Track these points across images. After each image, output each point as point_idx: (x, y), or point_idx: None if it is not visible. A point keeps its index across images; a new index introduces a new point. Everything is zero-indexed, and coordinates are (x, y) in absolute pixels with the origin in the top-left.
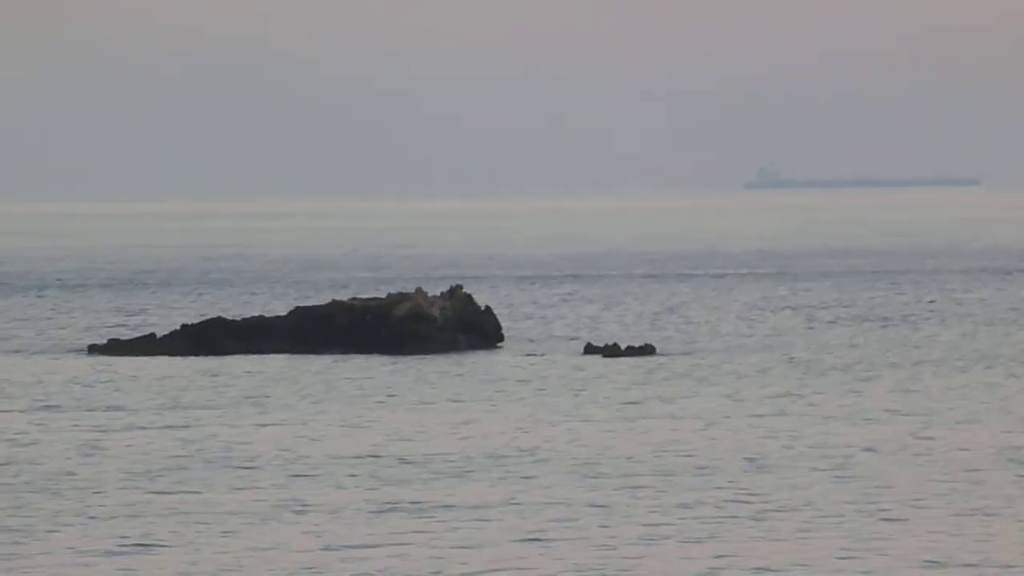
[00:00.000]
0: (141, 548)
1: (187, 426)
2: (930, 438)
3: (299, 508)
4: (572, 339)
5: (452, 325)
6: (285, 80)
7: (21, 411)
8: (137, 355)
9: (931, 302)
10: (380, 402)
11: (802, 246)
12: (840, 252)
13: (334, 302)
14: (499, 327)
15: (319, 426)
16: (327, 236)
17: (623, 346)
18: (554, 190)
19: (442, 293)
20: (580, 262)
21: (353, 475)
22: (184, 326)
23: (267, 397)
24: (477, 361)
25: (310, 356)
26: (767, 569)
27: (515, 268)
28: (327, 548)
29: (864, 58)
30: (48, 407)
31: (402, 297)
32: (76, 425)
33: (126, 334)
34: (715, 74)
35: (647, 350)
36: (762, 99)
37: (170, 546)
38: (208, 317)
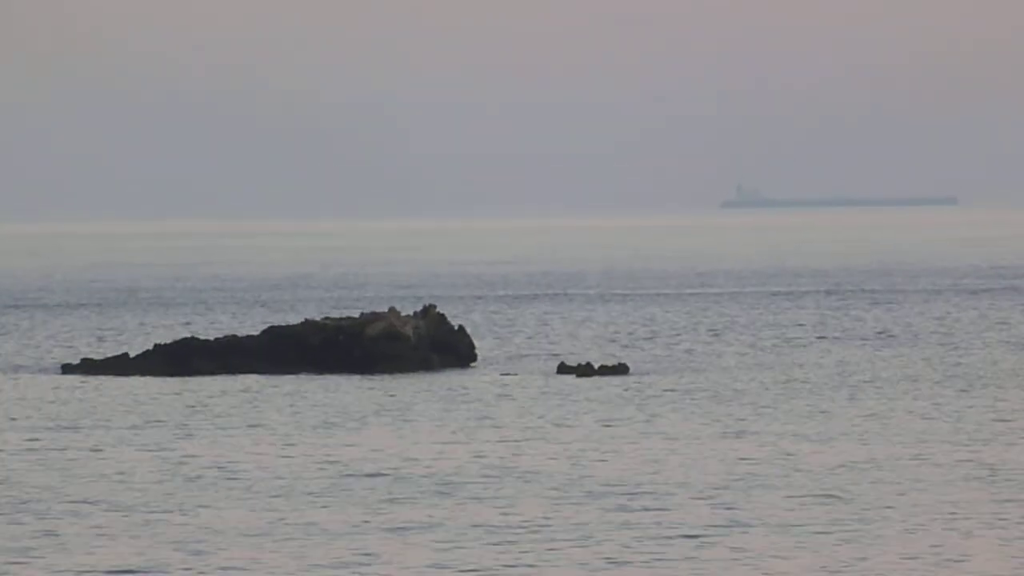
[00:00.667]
0: (121, 572)
1: (162, 447)
2: (916, 457)
3: (282, 527)
4: (546, 358)
5: (425, 344)
6: (277, 106)
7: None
8: (110, 375)
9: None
10: (354, 423)
11: (779, 265)
12: (817, 272)
13: (306, 321)
14: (472, 346)
15: (289, 446)
16: (296, 255)
17: (596, 365)
18: (536, 210)
19: (415, 312)
20: (551, 281)
21: (330, 495)
22: (157, 346)
23: (240, 415)
24: (450, 381)
25: (282, 376)
26: None
27: (488, 287)
28: (309, 568)
29: (845, 79)
30: (16, 426)
31: (375, 316)
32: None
33: (100, 353)
34: (696, 94)
35: (620, 369)
36: (741, 118)
37: (149, 571)
38: (181, 337)
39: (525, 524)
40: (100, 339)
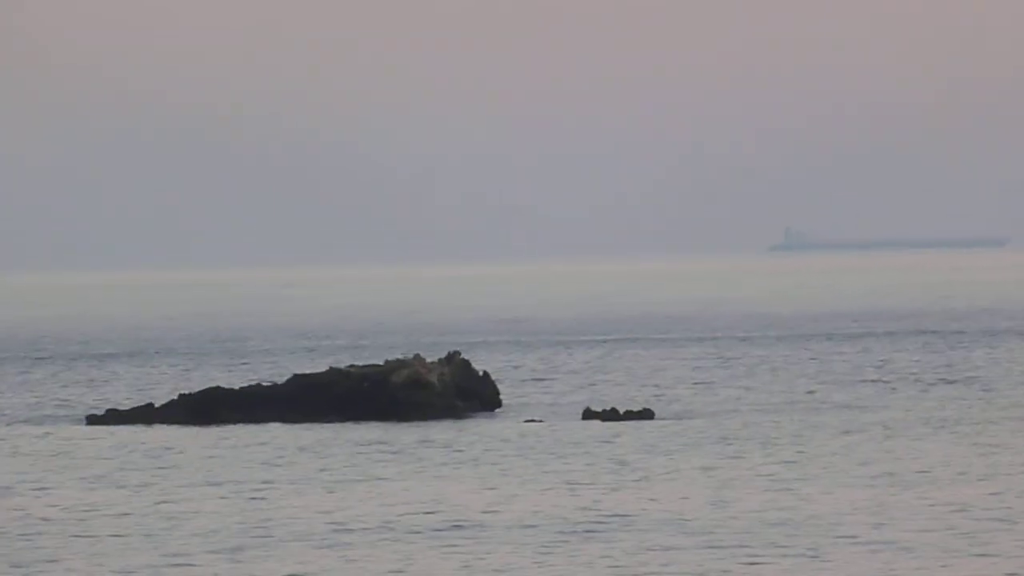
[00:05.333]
0: None
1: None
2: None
3: None
4: (571, 404)
5: (451, 391)
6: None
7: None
8: (135, 424)
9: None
10: (381, 471)
11: (818, 309)
12: (857, 314)
13: (331, 369)
14: (497, 392)
15: (328, 496)
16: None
17: (622, 410)
18: (573, 255)
19: (440, 359)
20: (579, 325)
21: (351, 545)
22: (182, 395)
23: (276, 466)
24: (476, 427)
25: (309, 424)
26: None
27: (519, 333)
28: None
29: (893, 114)
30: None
31: (400, 364)
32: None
33: (125, 404)
34: (736, 132)
35: (646, 414)
36: (787, 158)
37: None
38: (206, 386)
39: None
40: (125, 387)
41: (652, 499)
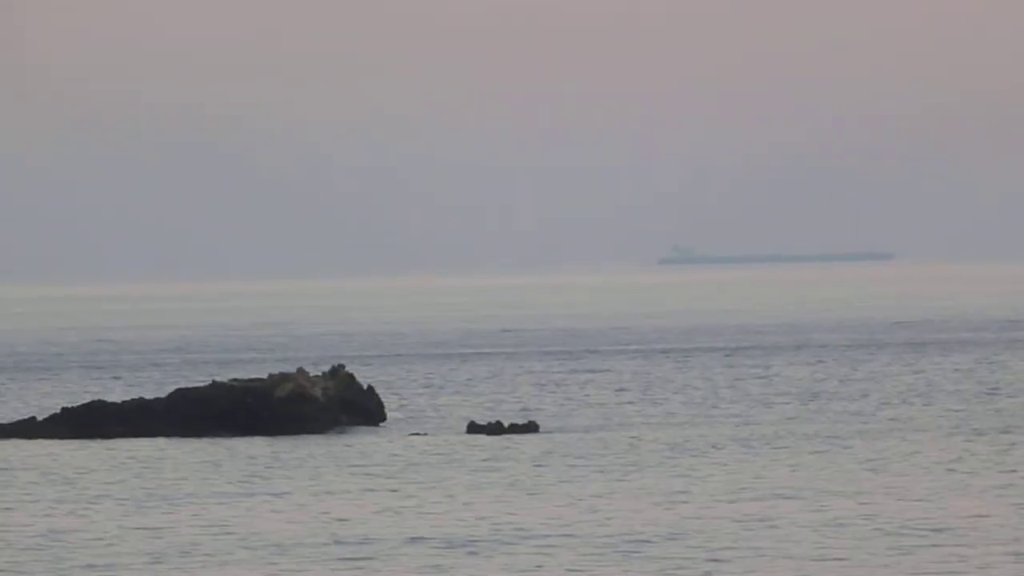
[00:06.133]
0: None
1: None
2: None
3: None
4: (456, 417)
5: (335, 405)
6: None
7: None
8: (17, 438)
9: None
10: (254, 486)
11: (698, 322)
12: (736, 327)
13: (214, 383)
14: (382, 406)
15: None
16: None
17: (506, 424)
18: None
19: (324, 373)
20: (465, 339)
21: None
22: (65, 409)
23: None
24: (359, 441)
25: (191, 439)
26: None
27: (399, 347)
28: None
29: (787, 141)
30: None
31: (283, 378)
32: None
33: (8, 416)
34: (639, 151)
35: (530, 427)
36: (678, 176)
37: None
38: (89, 400)
39: None
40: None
41: (534, 512)
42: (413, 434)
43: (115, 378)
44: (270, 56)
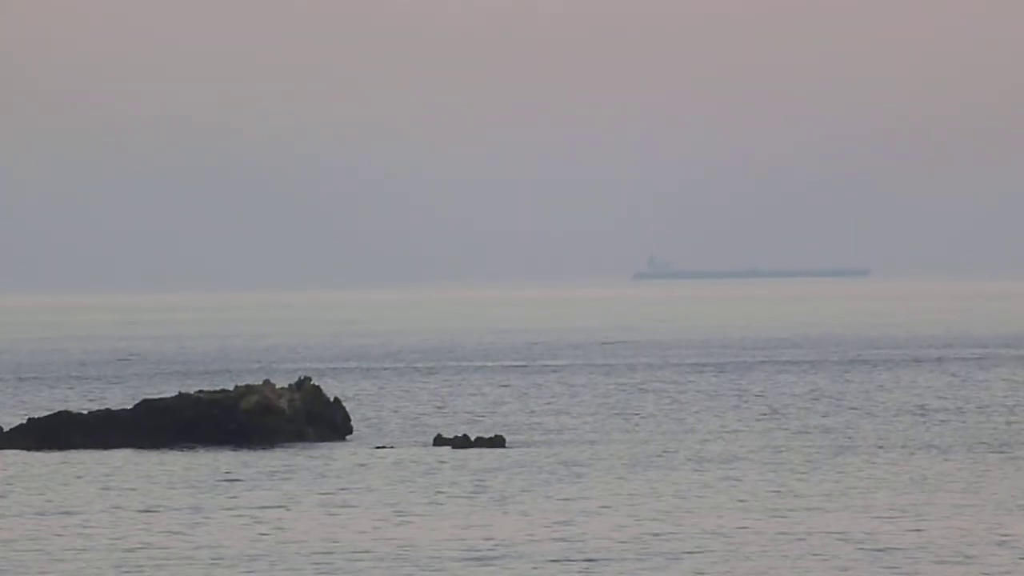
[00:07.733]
0: None
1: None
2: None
3: None
4: (422, 430)
5: (300, 417)
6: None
7: None
8: None
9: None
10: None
11: (674, 336)
12: (710, 342)
13: (180, 395)
14: (348, 418)
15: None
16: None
17: (473, 437)
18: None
19: (290, 385)
20: (434, 352)
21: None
22: (31, 420)
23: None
24: (323, 454)
25: (157, 451)
26: None
27: (369, 359)
28: None
29: (766, 157)
30: None
31: (249, 390)
32: None
33: None
34: (612, 166)
35: (497, 441)
36: (655, 190)
37: None
38: (55, 411)
39: None
40: None
41: (499, 526)
42: (379, 447)
43: (70, 388)
44: (268, 65)
